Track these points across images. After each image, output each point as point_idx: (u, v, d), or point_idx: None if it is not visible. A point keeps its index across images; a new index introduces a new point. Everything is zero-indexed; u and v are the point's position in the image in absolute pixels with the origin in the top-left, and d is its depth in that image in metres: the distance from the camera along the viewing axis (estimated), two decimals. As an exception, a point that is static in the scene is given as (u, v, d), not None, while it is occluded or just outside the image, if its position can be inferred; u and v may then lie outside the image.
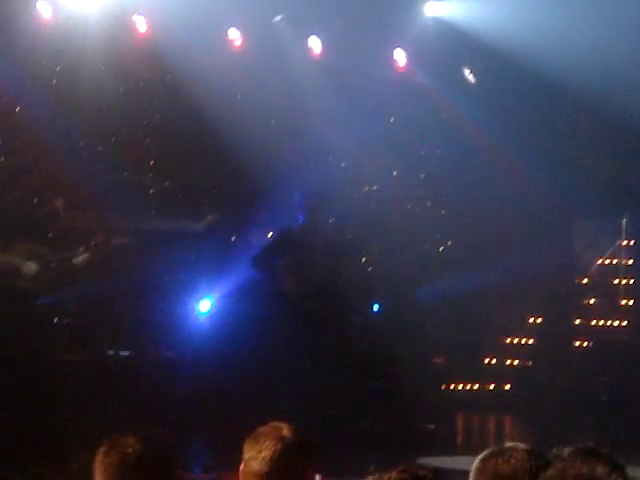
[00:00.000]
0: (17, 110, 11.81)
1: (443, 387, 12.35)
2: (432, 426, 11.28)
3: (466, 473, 3.34)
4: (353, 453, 9.59)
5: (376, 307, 12.17)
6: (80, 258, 9.51)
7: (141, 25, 11.33)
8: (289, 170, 11.71)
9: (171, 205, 12.07)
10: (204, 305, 11.46)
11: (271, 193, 12.15)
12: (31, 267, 9.01)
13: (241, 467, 3.75)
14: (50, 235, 9.97)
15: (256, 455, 3.70)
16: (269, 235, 12.02)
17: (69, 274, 9.82)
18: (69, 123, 11.89)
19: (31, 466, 8.69)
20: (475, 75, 12.69)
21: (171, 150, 12.41)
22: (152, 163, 12.59)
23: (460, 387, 12.47)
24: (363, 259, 12.28)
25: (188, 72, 11.83)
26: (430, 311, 12.13)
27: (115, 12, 11.20)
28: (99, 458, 3.43)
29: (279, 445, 3.69)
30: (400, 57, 12.40)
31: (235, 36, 11.69)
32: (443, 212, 13.01)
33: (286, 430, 3.75)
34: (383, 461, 8.65)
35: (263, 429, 3.78)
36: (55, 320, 10.41)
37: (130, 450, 3.39)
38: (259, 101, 12.05)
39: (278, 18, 11.81)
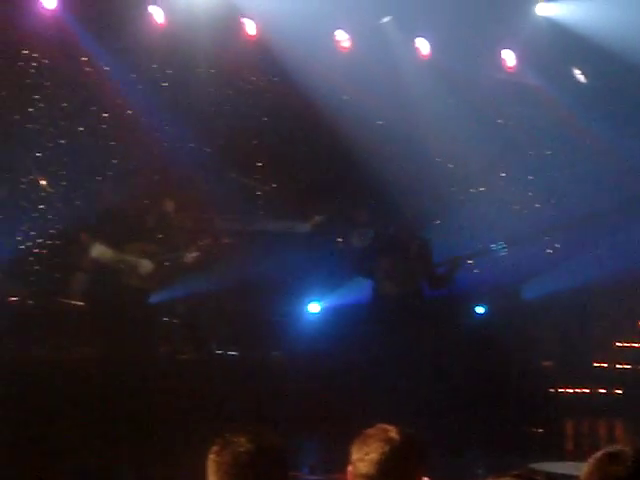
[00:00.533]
0: (129, 113, 12.03)
1: (552, 391, 12.19)
2: (540, 430, 11.14)
3: (577, 479, 3.29)
4: (461, 457, 9.56)
5: (481, 309, 12.07)
6: (190, 258, 9.62)
7: (250, 28, 11.42)
8: (395, 172, 11.69)
9: (278, 206, 12.14)
10: (313, 307, 11.52)
11: (377, 195, 12.16)
12: (146, 266, 9.14)
13: (349, 469, 3.75)
14: (160, 235, 10.11)
15: (363, 457, 3.68)
16: (370, 237, 12.02)
17: (180, 274, 9.95)
18: (179, 126, 12.07)
19: (142, 462, 8.85)
20: (586, 75, 12.50)
21: (278, 152, 12.49)
22: (259, 165, 12.69)
23: (570, 391, 12.30)
24: (469, 261, 12.18)
25: (296, 74, 11.89)
26: (538, 314, 11.98)
27: (224, 15, 11.32)
28: (212, 457, 3.44)
29: (387, 447, 3.67)
30: (509, 57, 12.28)
31: (343, 38, 11.71)
32: (552, 214, 12.84)
33: (394, 432, 3.72)
34: (493, 465, 8.61)
35: (371, 431, 3.77)
36: (166, 319, 10.56)
37: (242, 449, 3.40)
38: (366, 103, 12.05)
39: (386, 19, 11.80)
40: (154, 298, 9.61)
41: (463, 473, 8.69)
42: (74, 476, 8.40)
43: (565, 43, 12.01)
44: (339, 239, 12.27)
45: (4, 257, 11.20)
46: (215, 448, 3.46)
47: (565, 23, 11.94)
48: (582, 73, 12.49)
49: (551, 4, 12.05)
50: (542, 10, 12.07)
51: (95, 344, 9.86)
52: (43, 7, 10.52)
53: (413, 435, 3.78)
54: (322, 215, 12.10)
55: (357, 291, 11.19)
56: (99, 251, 9.02)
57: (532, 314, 11.98)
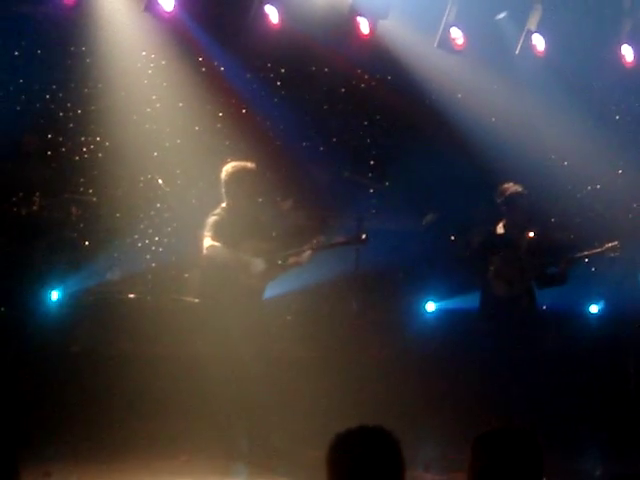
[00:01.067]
0: (243, 112, 12.16)
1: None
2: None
3: None
4: (578, 458, 9.43)
5: (596, 309, 11.87)
6: (304, 256, 9.65)
7: (364, 26, 11.43)
8: (510, 169, 11.57)
9: (391, 204, 12.13)
10: (430, 306, 11.49)
11: (489, 192, 12.05)
12: (259, 264, 9.18)
13: (469, 469, 3.72)
14: (274, 234, 10.16)
15: (488, 464, 3.66)
16: (479, 235, 11.90)
17: (293, 272, 9.99)
18: (293, 124, 12.16)
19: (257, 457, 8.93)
20: None
21: (390, 150, 12.48)
22: (372, 163, 12.70)
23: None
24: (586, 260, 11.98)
25: (409, 72, 11.88)
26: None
27: (338, 14, 11.35)
28: (329, 453, 3.48)
29: (513, 453, 3.65)
30: (627, 52, 12.05)
31: (457, 35, 11.64)
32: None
33: (517, 435, 3.69)
34: (614, 470, 8.43)
35: (492, 432, 3.74)
36: (281, 317, 10.62)
37: (358, 449, 3.43)
38: (481, 100, 11.97)
39: (502, 15, 11.69)
40: (268, 294, 9.67)
41: (577, 476, 8.57)
42: (186, 470, 8.52)
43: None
44: (452, 237, 12.21)
45: (123, 255, 11.43)
46: (331, 444, 3.48)
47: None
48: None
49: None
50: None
51: (209, 341, 9.96)
52: (161, 8, 10.68)
53: (534, 436, 3.75)
54: (435, 213, 12.04)
55: (473, 290, 11.11)
56: (213, 249, 9.09)
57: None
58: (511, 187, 10.70)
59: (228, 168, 9.32)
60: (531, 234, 10.74)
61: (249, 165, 9.32)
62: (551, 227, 11.70)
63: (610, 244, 10.63)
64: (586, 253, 10.82)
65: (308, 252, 9.59)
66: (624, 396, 11.09)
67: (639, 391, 11.19)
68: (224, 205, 9.29)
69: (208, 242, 9.09)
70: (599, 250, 10.71)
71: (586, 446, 9.86)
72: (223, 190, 9.29)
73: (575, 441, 9.89)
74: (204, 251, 9.15)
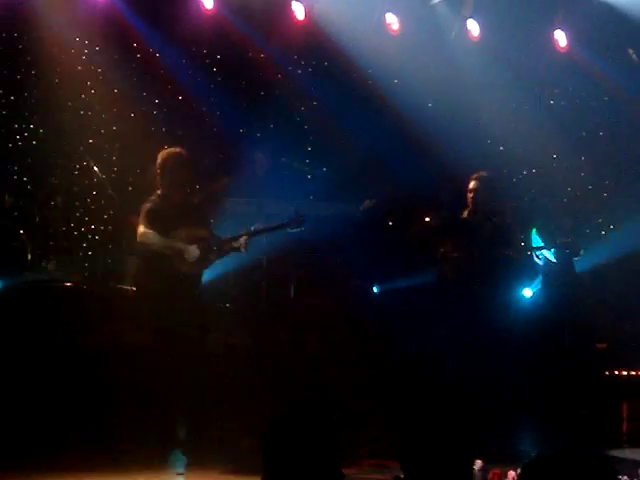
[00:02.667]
0: (180, 98, 12.08)
1: (607, 373, 12.09)
2: (595, 413, 11.06)
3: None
4: (512, 438, 9.53)
5: (529, 292, 11.99)
6: (241, 242, 9.62)
7: (299, 12, 11.41)
8: (448, 154, 11.65)
9: (328, 190, 12.13)
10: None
11: (429, 177, 12.12)
12: (193, 251, 9.14)
13: None
14: (211, 220, 10.13)
15: None
16: (427, 220, 11.97)
17: (230, 258, 9.96)
18: (230, 110, 12.12)
19: (194, 447, 8.91)
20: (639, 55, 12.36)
21: (328, 135, 12.48)
22: (310, 149, 12.69)
23: (625, 373, 12.19)
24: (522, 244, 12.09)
25: (345, 58, 11.89)
26: (591, 288, 11.84)
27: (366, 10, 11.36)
28: (264, 439, 3.48)
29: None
30: (561, 38, 12.16)
31: (392, 20, 11.66)
32: (605, 195, 12.73)
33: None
34: (546, 450, 8.55)
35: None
36: (217, 305, 10.59)
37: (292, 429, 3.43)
38: (417, 85, 12.01)
39: (435, 1, 11.73)
40: (204, 282, 9.64)
41: (517, 456, 8.66)
42: (124, 460, 8.48)
43: (618, 24, 11.87)
44: (390, 222, 12.24)
45: (59, 243, 11.33)
46: (266, 433, 3.47)
47: (621, 8, 11.80)
48: (635, 52, 12.33)
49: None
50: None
51: (146, 329, 9.92)
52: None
53: (463, 415, 3.77)
54: (373, 199, 12.06)
55: (414, 274, 11.16)
56: (147, 237, 9.04)
57: (585, 289, 11.84)
58: (479, 174, 10.75)
59: (162, 154, 9.30)
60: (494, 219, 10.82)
61: (181, 151, 9.30)
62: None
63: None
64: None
65: (244, 238, 9.57)
66: (561, 374, 11.21)
67: (574, 374, 11.33)
68: (158, 192, 9.25)
69: (141, 229, 9.05)
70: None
71: (523, 428, 9.95)
72: (158, 177, 9.25)
73: (511, 424, 9.99)
74: (138, 239, 9.11)
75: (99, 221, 11.59)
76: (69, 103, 11.53)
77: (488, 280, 10.59)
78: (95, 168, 11.20)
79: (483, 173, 10.61)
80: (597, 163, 12.61)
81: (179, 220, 9.19)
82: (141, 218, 9.11)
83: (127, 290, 10.69)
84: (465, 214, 10.81)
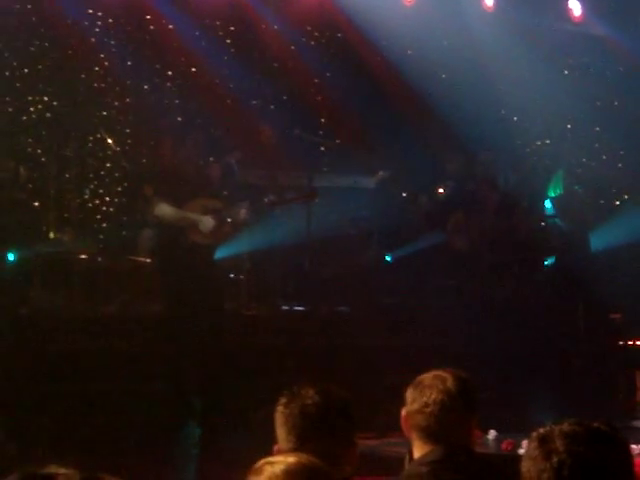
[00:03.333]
0: (193, 70, 12.07)
1: (621, 343, 12.08)
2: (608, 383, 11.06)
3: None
4: (528, 408, 9.54)
5: (548, 261, 11.98)
6: (246, 214, 9.67)
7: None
8: (463, 125, 11.61)
9: (343, 162, 12.13)
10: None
11: (444, 149, 12.10)
12: (208, 222, 9.18)
13: (403, 415, 3.74)
14: (224, 192, 10.15)
15: (423, 409, 3.68)
16: (440, 191, 11.97)
17: (243, 230, 9.99)
18: (243, 82, 12.10)
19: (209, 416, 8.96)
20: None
21: (342, 107, 12.45)
22: (323, 120, 12.67)
23: (639, 343, 12.17)
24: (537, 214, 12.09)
25: (360, 29, 11.84)
26: (606, 266, 11.84)
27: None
28: (279, 409, 3.47)
29: (446, 399, 3.67)
30: (575, 7, 12.10)
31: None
32: (620, 165, 12.68)
33: (450, 381, 3.70)
34: (561, 416, 8.53)
35: (427, 379, 3.74)
36: (231, 275, 10.61)
37: (310, 402, 3.42)
38: (432, 56, 11.97)
39: None
40: (219, 254, 9.66)
41: (531, 426, 8.67)
42: (139, 430, 8.51)
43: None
44: (404, 194, 12.24)
45: (73, 215, 11.36)
46: (283, 400, 3.48)
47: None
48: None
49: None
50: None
51: (162, 300, 9.96)
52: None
53: (468, 381, 3.76)
54: (387, 170, 12.05)
55: (426, 245, 11.16)
56: (161, 209, 9.09)
57: (600, 265, 11.84)
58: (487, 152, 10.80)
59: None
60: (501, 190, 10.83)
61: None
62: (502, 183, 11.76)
63: None
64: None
65: (254, 210, 9.62)
66: (574, 349, 11.23)
67: (588, 342, 11.34)
68: (173, 164, 9.33)
69: (156, 202, 9.10)
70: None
71: (536, 397, 9.96)
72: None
73: (526, 393, 10.00)
74: (154, 212, 9.15)
75: (113, 193, 11.61)
76: (82, 75, 11.54)
77: (496, 251, 10.62)
78: (109, 140, 11.23)
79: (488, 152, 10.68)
80: (612, 133, 12.55)
81: (193, 192, 9.24)
82: (155, 190, 9.16)
83: (142, 262, 10.73)
84: (472, 185, 10.85)
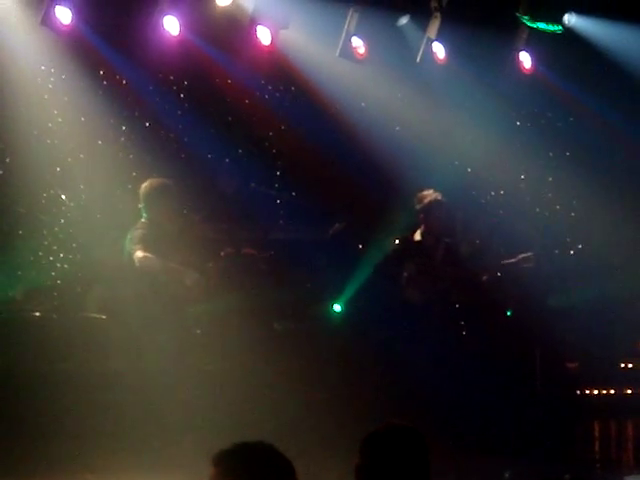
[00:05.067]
0: (147, 125, 12.07)
1: (578, 393, 12.11)
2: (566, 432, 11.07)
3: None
4: (486, 458, 9.52)
5: (508, 313, 12.02)
6: (212, 269, 9.70)
7: (265, 37, 11.43)
8: (415, 177, 11.67)
9: (298, 215, 12.14)
10: (337, 308, 11.47)
11: (397, 201, 12.14)
12: (193, 275, 9.28)
13: (356, 468, 3.74)
14: (184, 245, 10.16)
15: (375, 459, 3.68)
16: (395, 242, 12.00)
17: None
18: (197, 136, 12.11)
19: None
20: (605, 75, 12.44)
21: (297, 160, 12.49)
22: (278, 173, 12.69)
23: (596, 392, 12.21)
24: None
25: (312, 82, 11.91)
26: (563, 315, 11.91)
27: (239, 24, 11.33)
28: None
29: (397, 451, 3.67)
30: (525, 59, 12.24)
31: (358, 44, 11.69)
32: (573, 215, 12.78)
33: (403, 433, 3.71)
34: (519, 469, 8.52)
35: (381, 430, 3.75)
36: (198, 331, 10.53)
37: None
38: (385, 108, 12.05)
39: (404, 21, 11.74)
40: (195, 307, 9.72)
41: (488, 476, 8.65)
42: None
43: (582, 48, 11.99)
44: (360, 246, 12.25)
45: (28, 272, 11.26)
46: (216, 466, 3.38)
47: (589, 37, 11.94)
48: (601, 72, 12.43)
49: (580, 18, 12.01)
50: (570, 21, 12.03)
51: (120, 357, 9.91)
52: (59, 21, 10.53)
53: (419, 433, 3.77)
54: (342, 222, 12.08)
55: (380, 296, 11.17)
56: (147, 260, 9.13)
57: (557, 315, 11.91)
58: (430, 195, 10.84)
59: (150, 183, 9.45)
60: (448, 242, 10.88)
61: (168, 181, 9.55)
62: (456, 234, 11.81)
63: (524, 255, 10.85)
64: (503, 263, 11.01)
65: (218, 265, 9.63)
66: (532, 398, 11.24)
67: (545, 392, 11.36)
68: (144, 220, 9.37)
69: (140, 254, 9.13)
70: (513, 261, 10.90)
71: (494, 447, 9.94)
72: (143, 205, 9.38)
73: (484, 442, 9.98)
74: (137, 264, 9.17)
75: (67, 250, 11.52)
76: (35, 132, 11.48)
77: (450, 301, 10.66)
78: (63, 196, 11.16)
79: (441, 197, 10.72)
80: (564, 182, 12.67)
81: (171, 246, 9.30)
82: (136, 244, 9.18)
83: (97, 319, 10.65)
84: (417, 236, 10.89)
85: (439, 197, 10.85)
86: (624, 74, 11.98)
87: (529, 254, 10.89)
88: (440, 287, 10.79)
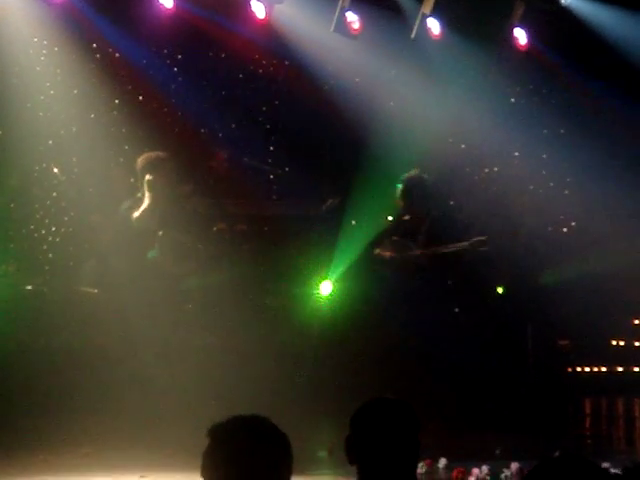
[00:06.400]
0: (140, 99, 12.02)
1: (569, 370, 12.15)
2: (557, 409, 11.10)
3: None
4: (477, 435, 9.54)
5: (500, 290, 12.03)
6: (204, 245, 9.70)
7: (260, 11, 11.37)
8: (409, 153, 11.65)
9: (291, 190, 12.12)
10: (325, 288, 11.48)
11: (390, 178, 12.12)
12: (180, 251, 9.35)
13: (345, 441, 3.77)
14: (177, 221, 10.13)
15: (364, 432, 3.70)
16: (388, 219, 11.99)
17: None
18: (191, 110, 12.06)
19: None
20: (600, 52, 12.41)
21: (290, 135, 12.45)
22: (272, 149, 12.66)
23: (587, 370, 12.26)
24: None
25: (307, 57, 11.86)
26: (555, 293, 11.93)
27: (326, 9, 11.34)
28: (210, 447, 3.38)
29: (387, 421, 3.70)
30: (521, 35, 12.19)
31: (353, 19, 11.63)
32: (566, 192, 12.77)
33: (392, 405, 3.75)
34: (509, 445, 8.54)
35: (369, 404, 3.78)
36: (190, 306, 10.54)
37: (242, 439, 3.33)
38: (378, 84, 12.01)
39: None
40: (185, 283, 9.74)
41: (479, 452, 8.67)
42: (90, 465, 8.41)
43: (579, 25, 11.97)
44: (353, 222, 12.24)
45: (20, 245, 11.23)
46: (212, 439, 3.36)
47: (585, 17, 11.94)
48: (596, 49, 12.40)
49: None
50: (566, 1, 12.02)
51: (112, 332, 9.92)
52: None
53: (410, 407, 3.78)
54: (336, 198, 12.06)
55: (371, 273, 11.18)
56: (145, 218, 9.20)
57: (549, 293, 11.93)
58: (410, 174, 10.85)
59: (145, 156, 9.45)
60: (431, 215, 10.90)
61: (162, 154, 9.55)
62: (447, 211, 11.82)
63: (477, 239, 10.82)
64: (452, 248, 10.95)
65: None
66: (523, 376, 11.26)
67: (537, 368, 11.39)
68: (139, 195, 9.39)
69: (137, 214, 9.18)
70: (466, 244, 10.86)
71: (486, 423, 9.96)
72: (139, 177, 9.40)
73: (476, 419, 10.01)
74: (135, 223, 9.23)
75: (59, 223, 11.49)
76: (28, 104, 11.42)
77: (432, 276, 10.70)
78: (55, 170, 11.12)
79: (423, 175, 10.74)
80: (559, 160, 12.65)
81: (162, 223, 9.31)
82: (131, 209, 9.22)
83: (89, 293, 10.64)
84: (406, 216, 10.94)
85: (419, 175, 10.88)
86: (620, 54, 11.97)
87: (483, 237, 10.85)
88: (422, 263, 10.81)
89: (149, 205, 9.43)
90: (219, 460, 3.12)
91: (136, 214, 9.38)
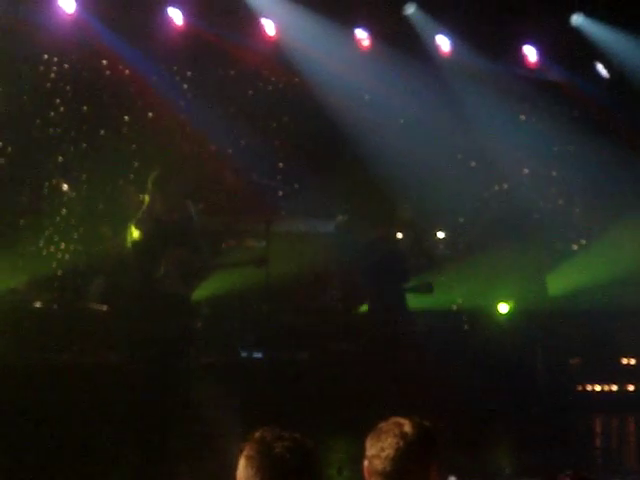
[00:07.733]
0: (150, 115, 12.04)
1: (579, 388, 12.09)
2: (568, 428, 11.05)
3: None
4: (487, 454, 9.51)
5: (505, 308, 11.99)
6: (212, 262, 9.65)
7: (269, 28, 11.39)
8: (419, 171, 11.64)
9: (301, 206, 12.11)
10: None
11: (400, 194, 12.11)
12: (184, 270, 9.28)
13: (365, 464, 3.70)
14: (185, 239, 10.11)
15: (379, 454, 3.64)
16: (399, 236, 11.97)
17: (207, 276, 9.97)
18: (200, 127, 12.07)
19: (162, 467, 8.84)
20: (608, 70, 12.41)
21: (300, 152, 12.46)
22: (281, 165, 12.66)
23: (597, 388, 12.19)
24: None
25: (316, 74, 11.87)
26: (564, 310, 11.88)
27: (243, 16, 11.30)
28: (245, 452, 3.40)
29: (402, 443, 3.63)
30: (530, 53, 12.20)
31: (363, 36, 11.65)
32: (577, 210, 12.75)
33: (408, 426, 3.67)
34: (519, 464, 8.49)
35: (385, 426, 3.72)
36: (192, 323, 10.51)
37: (277, 448, 3.36)
38: (388, 101, 12.01)
39: (411, 10, 11.68)
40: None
41: (489, 471, 8.64)
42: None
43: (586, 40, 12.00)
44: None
45: (30, 263, 11.24)
46: (248, 443, 3.39)
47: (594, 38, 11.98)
48: (604, 67, 12.41)
49: (587, 18, 12.03)
50: (576, 21, 12.04)
51: (119, 348, 9.88)
52: (62, 11, 10.51)
53: (428, 428, 3.73)
54: (346, 214, 12.05)
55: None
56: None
57: (558, 310, 11.88)
58: (401, 216, 10.96)
59: (157, 172, 9.44)
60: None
61: (174, 171, 9.54)
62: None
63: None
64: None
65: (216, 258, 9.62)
66: (533, 393, 11.21)
67: (547, 387, 11.33)
68: (145, 209, 9.38)
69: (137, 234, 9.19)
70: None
71: (496, 442, 9.93)
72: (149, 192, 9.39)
73: (486, 439, 9.97)
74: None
75: (68, 240, 11.49)
76: (37, 120, 11.45)
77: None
78: (65, 186, 11.13)
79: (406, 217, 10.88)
80: (568, 178, 12.65)
81: (169, 240, 9.26)
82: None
83: (98, 310, 10.62)
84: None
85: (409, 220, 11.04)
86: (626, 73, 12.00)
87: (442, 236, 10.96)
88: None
89: (157, 222, 9.40)
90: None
91: (144, 230, 9.36)
